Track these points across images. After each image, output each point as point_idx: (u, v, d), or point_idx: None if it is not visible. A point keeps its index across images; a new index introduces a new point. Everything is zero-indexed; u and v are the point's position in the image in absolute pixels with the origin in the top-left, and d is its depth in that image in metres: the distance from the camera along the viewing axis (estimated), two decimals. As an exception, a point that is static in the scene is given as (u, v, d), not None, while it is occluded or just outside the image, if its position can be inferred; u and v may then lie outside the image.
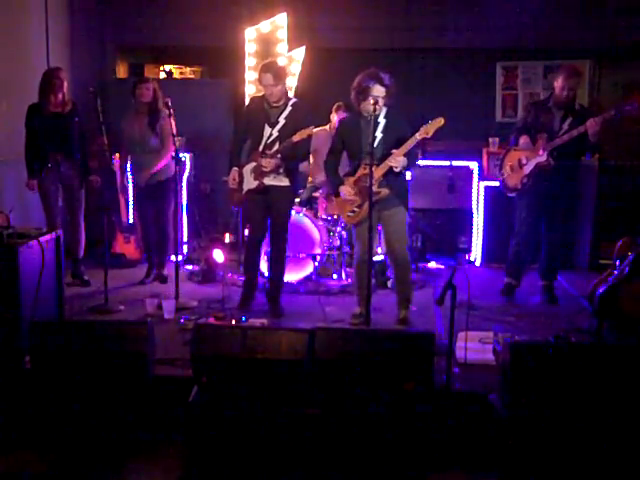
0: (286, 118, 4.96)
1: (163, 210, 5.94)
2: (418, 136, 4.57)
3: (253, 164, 5.03)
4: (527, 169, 5.30)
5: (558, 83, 5.24)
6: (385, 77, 4.64)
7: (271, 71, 4.88)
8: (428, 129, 4.56)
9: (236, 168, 5.08)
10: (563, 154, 5.19)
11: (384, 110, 4.72)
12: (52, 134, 5.59)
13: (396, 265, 4.96)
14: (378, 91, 4.59)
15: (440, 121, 4.56)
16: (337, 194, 4.92)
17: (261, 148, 5.01)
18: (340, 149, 4.93)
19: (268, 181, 5.03)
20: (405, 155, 4.61)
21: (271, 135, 4.98)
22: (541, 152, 5.20)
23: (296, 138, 4.79)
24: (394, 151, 4.61)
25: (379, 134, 4.69)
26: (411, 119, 4.79)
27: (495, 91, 7.74)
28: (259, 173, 5.00)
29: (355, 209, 4.83)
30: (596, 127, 4.97)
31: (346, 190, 4.82)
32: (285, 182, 5.07)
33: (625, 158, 6.81)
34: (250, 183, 5.06)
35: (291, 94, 6.78)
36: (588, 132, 5.02)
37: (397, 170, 4.63)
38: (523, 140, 5.33)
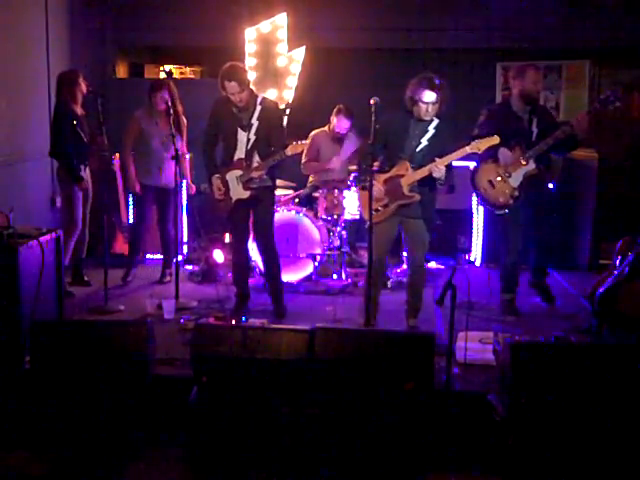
0: (259, 119, 4.89)
1: (171, 212, 5.96)
2: (469, 149, 4.52)
3: (238, 172, 4.94)
4: (515, 182, 4.98)
5: (529, 78, 4.99)
6: (439, 84, 4.53)
7: (235, 78, 4.77)
8: (480, 145, 4.50)
9: (218, 176, 5.00)
10: (543, 157, 5.02)
11: (435, 121, 4.64)
12: (85, 134, 5.61)
13: (413, 274, 4.88)
14: (429, 97, 4.52)
15: (495, 139, 4.51)
16: (364, 188, 4.76)
17: (243, 155, 4.92)
18: (382, 143, 4.69)
19: (253, 185, 4.96)
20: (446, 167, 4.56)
21: (249, 140, 4.90)
22: (526, 161, 4.95)
23: (289, 152, 4.75)
24: (437, 159, 4.55)
25: (425, 141, 4.64)
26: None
27: (495, 91, 7.74)
28: (246, 182, 4.93)
29: (380, 208, 4.72)
30: (585, 124, 4.84)
31: (377, 190, 4.66)
32: (268, 182, 5.02)
33: (625, 158, 6.81)
34: (240, 193, 4.97)
35: (291, 94, 6.80)
36: (576, 130, 4.86)
37: (436, 176, 4.56)
38: (504, 153, 4.97)
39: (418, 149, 4.65)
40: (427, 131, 4.65)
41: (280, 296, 5.23)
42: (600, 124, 6.48)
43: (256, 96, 4.99)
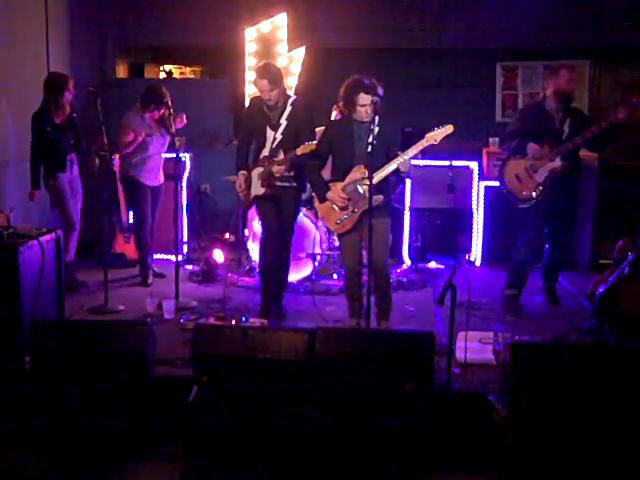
0: (287, 119, 4.91)
1: (157, 212, 6.13)
2: (425, 142, 4.50)
3: (260, 169, 4.96)
4: (540, 177, 5.11)
5: (562, 77, 5.12)
6: (370, 84, 4.51)
7: (266, 76, 4.80)
8: (436, 136, 4.49)
9: (244, 172, 5.01)
10: (570, 156, 5.13)
11: (376, 118, 4.51)
12: (66, 136, 5.59)
13: (377, 277, 4.66)
14: (364, 99, 4.49)
15: (449, 128, 4.49)
16: (323, 200, 4.75)
17: (268, 152, 4.94)
18: (326, 153, 4.77)
19: (277, 183, 4.94)
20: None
21: (275, 139, 4.92)
22: (553, 158, 5.06)
23: (299, 152, 4.71)
24: (400, 153, 4.53)
25: (372, 141, 4.52)
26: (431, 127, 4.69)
27: (495, 91, 7.74)
28: (266, 179, 4.92)
29: (344, 217, 4.67)
30: (626, 112, 4.86)
31: (339, 197, 4.63)
32: (293, 183, 5.00)
33: (625, 158, 6.80)
34: (257, 189, 4.99)
35: (291, 93, 6.80)
36: (619, 120, 4.87)
37: (402, 169, 4.54)
38: (532, 147, 5.11)
39: (369, 150, 4.53)
40: (372, 130, 4.50)
41: (280, 298, 5.20)
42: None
43: (288, 97, 5.01)
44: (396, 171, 4.58)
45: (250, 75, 6.89)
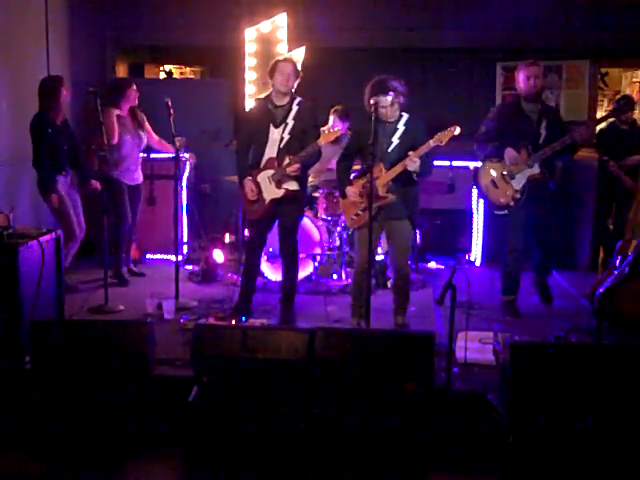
0: (294, 119, 4.82)
1: (138, 210, 6.26)
2: (432, 143, 4.52)
3: (270, 172, 4.84)
4: (518, 184, 5.01)
5: (521, 77, 5.02)
6: (390, 85, 4.56)
7: (294, 63, 4.85)
8: (442, 137, 4.51)
9: (249, 178, 4.90)
10: (546, 161, 5.02)
11: (405, 117, 4.66)
12: (63, 143, 5.55)
13: (398, 277, 4.85)
14: (383, 102, 4.55)
15: (456, 129, 4.51)
16: (344, 195, 4.85)
17: (274, 154, 4.83)
18: (355, 152, 4.84)
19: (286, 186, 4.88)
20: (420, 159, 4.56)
21: (282, 138, 4.82)
22: (531, 164, 4.95)
23: (323, 141, 4.70)
24: (410, 153, 4.55)
25: (396, 140, 4.65)
26: (431, 127, 4.70)
27: (495, 91, 7.74)
28: (278, 180, 4.83)
29: (359, 212, 4.76)
30: (586, 136, 5.08)
31: (353, 192, 4.75)
32: (295, 186, 4.91)
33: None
34: (274, 192, 4.85)
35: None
36: (578, 140, 4.94)
37: (410, 169, 4.56)
38: (510, 153, 5.00)
39: (390, 149, 4.63)
40: (397, 129, 4.63)
41: (292, 302, 5.08)
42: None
43: (294, 97, 4.90)
44: (411, 172, 4.60)
45: (250, 75, 6.90)
